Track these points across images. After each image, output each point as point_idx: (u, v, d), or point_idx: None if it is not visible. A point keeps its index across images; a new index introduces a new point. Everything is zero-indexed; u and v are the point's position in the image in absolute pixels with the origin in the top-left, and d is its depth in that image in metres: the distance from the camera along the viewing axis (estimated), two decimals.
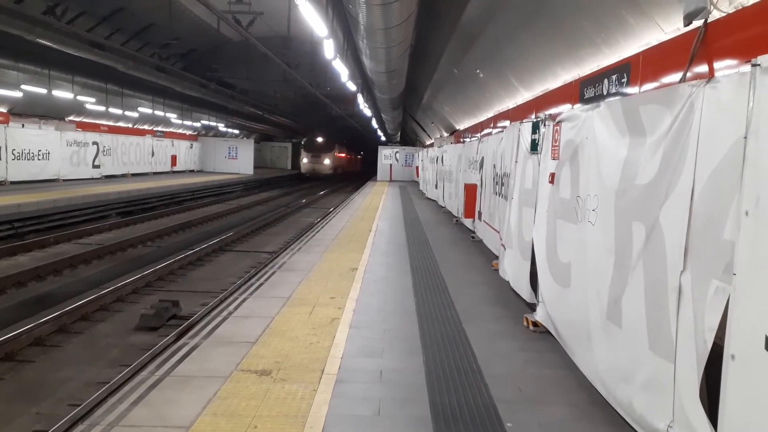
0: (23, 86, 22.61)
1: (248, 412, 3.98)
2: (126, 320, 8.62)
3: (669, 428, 3.31)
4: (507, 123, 13.09)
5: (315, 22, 10.91)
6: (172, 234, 16.99)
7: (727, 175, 2.93)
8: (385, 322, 6.26)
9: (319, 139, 54.47)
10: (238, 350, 5.20)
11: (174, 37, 23.84)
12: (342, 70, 17.15)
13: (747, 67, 2.86)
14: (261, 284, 7.87)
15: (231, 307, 6.63)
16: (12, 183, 21.55)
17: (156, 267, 11.47)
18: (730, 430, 2.76)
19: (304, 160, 53.86)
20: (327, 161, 54.38)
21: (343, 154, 64.83)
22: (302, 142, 55.63)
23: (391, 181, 37.92)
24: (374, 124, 46.15)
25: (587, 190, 4.84)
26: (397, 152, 39.66)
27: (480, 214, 11.52)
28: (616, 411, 4.03)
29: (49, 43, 16.40)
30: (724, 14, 4.30)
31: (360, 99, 27.01)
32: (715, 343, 2.95)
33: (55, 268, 11.37)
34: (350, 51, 18.36)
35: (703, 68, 4.54)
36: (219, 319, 6.18)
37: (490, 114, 17.33)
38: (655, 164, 3.66)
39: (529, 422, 3.98)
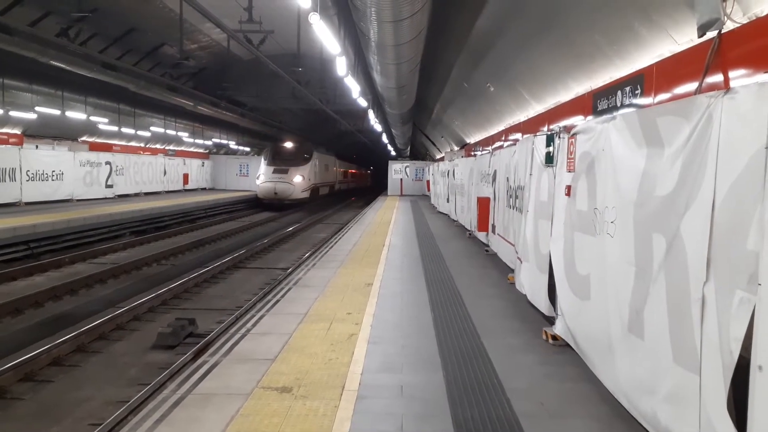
0: (37, 108, 22.92)
1: (271, 429, 3.99)
2: (143, 339, 8.66)
3: None
4: (519, 136, 13.12)
5: (328, 40, 11.03)
6: (185, 252, 17.08)
7: (748, 185, 2.93)
8: (403, 338, 6.26)
9: (288, 145, 36.54)
10: (258, 367, 5.21)
11: (185, 57, 24.11)
12: (353, 87, 17.29)
13: (765, 77, 2.87)
14: (278, 301, 7.89)
15: (249, 324, 6.65)
16: (26, 204, 21.75)
17: (171, 285, 11.53)
18: None
19: (261, 178, 34.38)
20: (298, 179, 34.54)
21: (335, 168, 48.59)
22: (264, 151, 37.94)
23: (401, 195, 37.96)
24: (384, 139, 46.35)
25: (605, 202, 4.84)
26: (407, 166, 39.76)
27: (494, 227, 11.52)
28: (639, 423, 4.00)
29: (62, 65, 16.64)
30: (738, 25, 4.32)
31: (370, 114, 27.16)
32: (740, 355, 2.94)
33: (71, 287, 11.45)
34: (361, 67, 18.51)
35: (717, 78, 4.56)
36: (237, 336, 6.19)
37: (501, 127, 17.38)
38: (674, 175, 3.66)
39: None
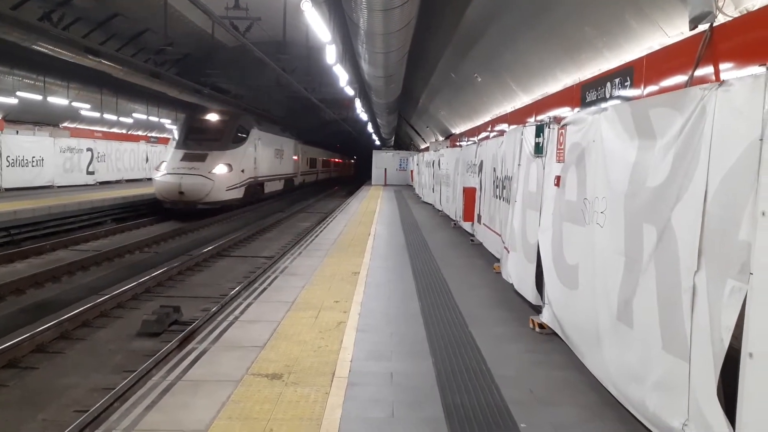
0: (18, 93, 22.54)
1: (262, 415, 3.99)
2: (127, 326, 8.59)
3: (684, 426, 3.34)
4: (506, 127, 13.16)
5: (319, 27, 10.96)
6: (168, 239, 16.94)
7: (741, 177, 2.97)
8: (391, 326, 6.28)
9: (211, 117, 25.30)
10: (248, 354, 5.20)
11: (168, 43, 23.82)
12: (342, 75, 17.20)
13: (759, 70, 2.90)
14: (264, 289, 7.87)
15: (236, 312, 6.63)
16: (6, 190, 21.44)
17: (155, 273, 11.44)
18: (749, 426, 2.79)
19: (161, 169, 22.67)
20: (221, 169, 22.90)
21: (297, 156, 37.40)
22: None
23: (385, 185, 37.97)
24: (369, 128, 46.27)
25: (595, 192, 4.88)
26: (392, 156, 39.74)
27: (479, 217, 11.56)
28: (628, 411, 4.06)
29: (44, 50, 16.35)
30: (730, 18, 4.36)
31: (356, 104, 27.08)
32: (731, 344, 2.99)
33: (53, 274, 11.32)
34: (348, 56, 18.41)
35: (708, 71, 4.60)
36: (225, 324, 6.17)
37: (488, 118, 17.41)
38: (666, 167, 3.70)
39: (543, 423, 4.00)
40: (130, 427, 3.78)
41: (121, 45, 23.45)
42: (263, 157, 28.13)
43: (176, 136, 25.38)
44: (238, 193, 24.03)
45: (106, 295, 9.76)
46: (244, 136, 25.15)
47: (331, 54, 12.96)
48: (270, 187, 30.32)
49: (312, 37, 17.94)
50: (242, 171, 24.41)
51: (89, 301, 9.59)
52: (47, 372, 6.91)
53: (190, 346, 5.45)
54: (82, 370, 6.96)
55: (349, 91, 20.86)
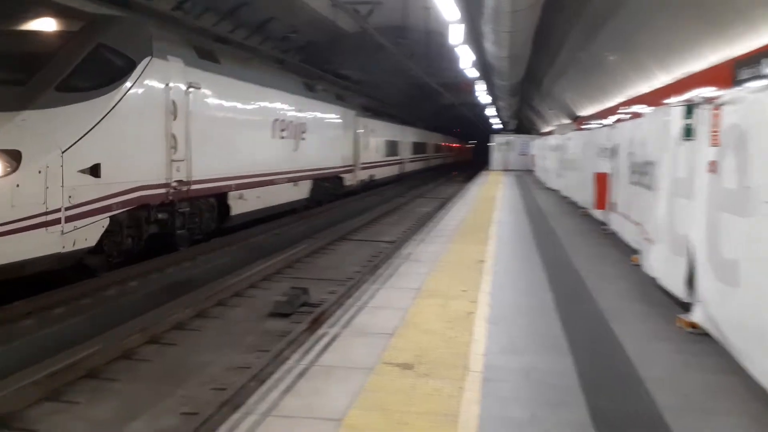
0: None
1: (396, 407, 3.90)
2: (259, 306, 8.87)
3: None
4: (642, 108, 12.33)
5: (448, 6, 10.75)
6: (290, 224, 17.18)
7: None
8: (524, 318, 6.02)
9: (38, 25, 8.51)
10: (377, 342, 5.14)
11: (292, 30, 24.46)
12: (467, 56, 16.85)
13: None
14: (390, 275, 7.83)
15: (364, 297, 6.62)
16: None
17: (282, 255, 11.77)
18: None
19: None
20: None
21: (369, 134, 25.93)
22: None
23: (505, 170, 37.05)
24: (488, 112, 45.45)
25: (760, 179, 4.35)
26: (512, 140, 38.67)
27: (614, 204, 10.90)
28: None
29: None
30: None
31: (477, 86, 26.59)
32: None
33: (191, 255, 11.85)
34: (472, 37, 18.04)
35: None
36: (353, 309, 6.17)
37: (621, 99, 16.46)
38: None
39: None
40: (268, 411, 3.81)
41: (248, 34, 24.34)
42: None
43: None
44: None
45: (239, 276, 10.14)
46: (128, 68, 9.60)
47: (457, 34, 12.66)
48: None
49: (433, 19, 17.76)
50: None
51: (223, 281, 9.99)
52: (185, 349, 7.24)
53: (321, 331, 5.48)
54: (218, 348, 7.23)
55: (472, 73, 20.42)
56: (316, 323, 7.14)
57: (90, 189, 8.37)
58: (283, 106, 15.79)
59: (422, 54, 26.33)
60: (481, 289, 7.09)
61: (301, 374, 4.38)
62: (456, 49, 15.31)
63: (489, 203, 17.33)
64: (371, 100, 28.10)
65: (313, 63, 27.64)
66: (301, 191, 17.44)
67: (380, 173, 28.51)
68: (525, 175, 32.34)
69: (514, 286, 7.33)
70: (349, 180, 22.92)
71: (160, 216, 10.47)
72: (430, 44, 22.61)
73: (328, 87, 21.71)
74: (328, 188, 20.39)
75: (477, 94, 29.69)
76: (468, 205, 16.96)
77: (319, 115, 19.01)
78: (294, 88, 17.12)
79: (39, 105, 7.78)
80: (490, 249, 9.77)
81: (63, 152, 7.77)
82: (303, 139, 17.17)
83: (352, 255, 12.98)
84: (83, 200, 8.23)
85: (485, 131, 57.58)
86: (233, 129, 12.82)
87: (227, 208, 12.77)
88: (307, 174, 17.74)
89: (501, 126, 55.98)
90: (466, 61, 17.64)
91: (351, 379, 4.32)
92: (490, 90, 30.42)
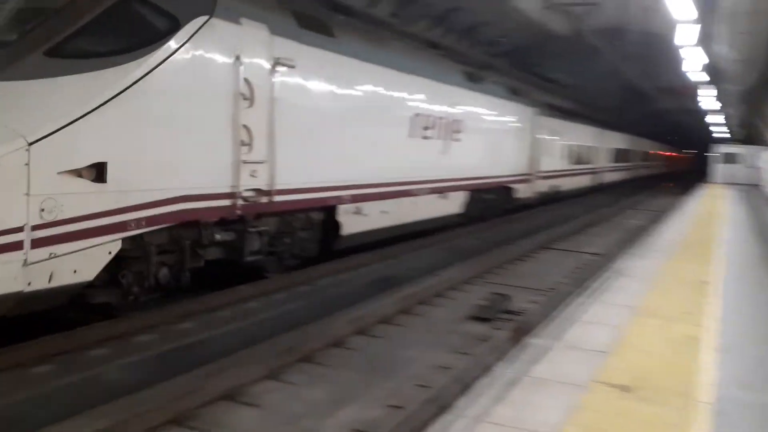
0: None
1: (613, 430, 3.66)
2: (459, 308, 8.91)
3: None
4: None
5: (683, 6, 10.00)
6: (487, 229, 16.95)
7: None
8: (759, 348, 5.37)
9: None
10: (590, 359, 4.89)
11: (502, 35, 24.34)
12: (697, 59, 15.51)
13: None
14: (600, 289, 7.42)
15: (573, 311, 6.35)
16: None
17: (482, 259, 11.73)
18: None
19: None
20: None
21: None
22: None
23: (729, 183, 33.44)
24: (710, 119, 41.45)
25: None
26: (738, 151, 34.84)
27: None
28: None
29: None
30: None
31: (701, 91, 24.34)
32: None
33: (394, 253, 12.27)
34: (700, 38, 16.60)
35: None
36: (562, 321, 5.94)
37: None
38: None
39: None
40: (479, 417, 3.78)
41: (457, 39, 24.66)
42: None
43: None
44: None
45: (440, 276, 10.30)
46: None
47: (688, 34, 11.67)
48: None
49: (656, 19, 16.57)
50: None
51: (424, 280, 10.20)
52: (390, 343, 7.47)
53: (527, 341, 5.35)
54: (420, 345, 7.37)
55: (698, 77, 18.73)
56: (520, 332, 7.00)
57: (86, 199, 5.91)
58: (429, 98, 12.49)
59: (638, 56, 24.74)
60: (706, 312, 6.46)
61: (512, 383, 4.30)
62: (681, 51, 14.11)
63: (711, 219, 15.77)
64: (560, 99, 24.83)
65: (521, 67, 27.31)
66: (450, 205, 14.03)
67: (567, 183, 24.22)
68: (751, 190, 28.96)
69: (745, 313, 6.59)
70: (523, 191, 18.74)
71: (219, 237, 7.77)
72: (650, 46, 21.14)
73: (499, 79, 18.37)
74: (490, 201, 16.61)
75: (700, 99, 27.11)
76: (686, 219, 15.58)
77: (480, 111, 15.30)
78: (448, 77, 13.67)
79: (7, 75, 5.59)
80: (714, 269, 8.87)
81: (30, 144, 5.33)
82: (457, 140, 13.73)
83: (553, 264, 12.55)
84: (71, 215, 5.72)
85: (703, 140, 52.65)
86: (347, 124, 9.87)
87: (337, 225, 10.03)
88: (460, 183, 14.23)
89: (724, 135, 50.79)
90: (693, 63, 16.19)
91: (563, 394, 4.15)
92: (720, 96, 27.65)
